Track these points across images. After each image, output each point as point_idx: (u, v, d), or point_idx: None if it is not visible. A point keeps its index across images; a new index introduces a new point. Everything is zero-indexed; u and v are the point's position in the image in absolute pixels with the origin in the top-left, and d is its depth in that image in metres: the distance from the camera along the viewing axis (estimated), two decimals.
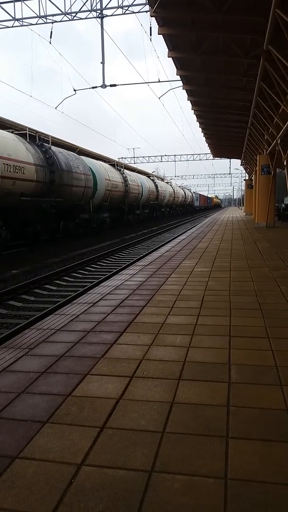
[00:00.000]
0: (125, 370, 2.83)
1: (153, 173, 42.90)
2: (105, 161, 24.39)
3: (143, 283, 6.00)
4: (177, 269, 7.23)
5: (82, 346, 3.32)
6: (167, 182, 45.21)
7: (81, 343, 3.39)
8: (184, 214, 50.65)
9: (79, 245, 16.28)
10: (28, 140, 14.88)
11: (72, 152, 18.99)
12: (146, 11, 14.87)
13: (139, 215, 30.10)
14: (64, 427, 2.12)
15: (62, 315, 4.32)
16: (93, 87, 17.55)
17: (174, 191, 43.79)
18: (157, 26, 9.74)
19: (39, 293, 8.22)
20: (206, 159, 51.37)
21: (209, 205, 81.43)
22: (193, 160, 53.21)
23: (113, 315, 4.27)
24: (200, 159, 52.26)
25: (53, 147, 16.64)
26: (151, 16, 9.31)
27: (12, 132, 14.58)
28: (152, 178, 36.70)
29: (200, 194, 73.26)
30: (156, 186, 35.18)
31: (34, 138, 15.65)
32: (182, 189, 51.51)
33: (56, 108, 19.51)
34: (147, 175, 35.83)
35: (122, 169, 25.78)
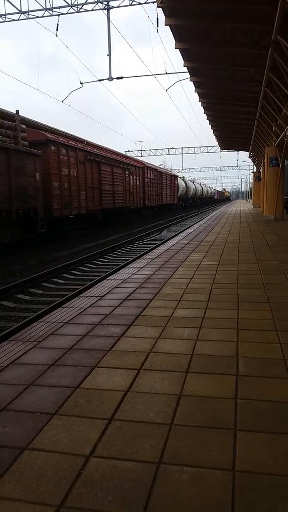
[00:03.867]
0: (133, 362, 2.83)
1: (160, 166, 44.52)
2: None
3: (151, 276, 6.00)
4: (185, 262, 7.21)
5: (90, 339, 3.34)
6: (191, 181, 58.18)
7: (89, 336, 3.41)
8: (202, 205, 62.60)
9: (86, 239, 16.31)
10: (183, 178, 48.24)
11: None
12: (153, 2, 14.74)
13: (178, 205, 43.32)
14: (73, 419, 2.14)
15: (70, 308, 4.34)
16: (99, 80, 17.47)
17: (195, 187, 56.61)
18: (164, 16, 9.64)
19: (47, 286, 8.26)
20: (214, 152, 51.08)
21: (222, 198, 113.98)
22: (201, 152, 52.85)
23: (121, 308, 4.28)
24: (207, 152, 51.93)
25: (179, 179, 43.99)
26: (158, 6, 9.20)
27: (177, 176, 41.63)
28: (182, 178, 50.29)
29: (217, 190, 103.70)
30: (186, 183, 49.54)
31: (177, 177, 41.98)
32: (193, 183, 61.76)
33: (63, 101, 19.45)
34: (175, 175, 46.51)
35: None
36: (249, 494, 1.57)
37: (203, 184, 71.04)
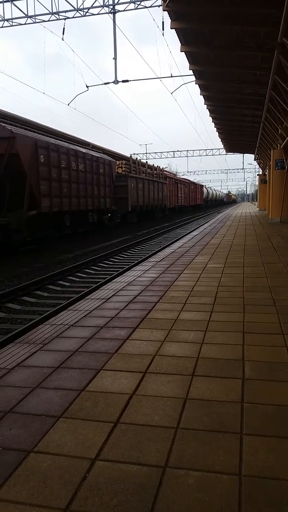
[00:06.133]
0: (138, 365, 2.83)
1: (165, 169, 44.90)
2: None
3: (156, 279, 6.00)
4: (190, 265, 7.20)
5: (96, 342, 3.33)
6: (209, 187, 74.25)
7: (94, 339, 3.41)
8: (211, 207, 72.61)
9: (91, 242, 16.34)
10: (205, 186, 63.88)
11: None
12: (159, 6, 14.78)
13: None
14: (78, 422, 2.13)
15: (75, 310, 4.34)
16: (105, 83, 17.53)
17: (212, 192, 74.35)
18: (170, 20, 9.67)
19: (52, 289, 8.28)
20: (219, 154, 51.07)
21: (230, 200, 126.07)
22: (206, 155, 52.83)
23: (126, 311, 4.27)
24: (213, 154, 51.87)
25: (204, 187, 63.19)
26: (164, 10, 9.23)
27: (203, 186, 59.70)
28: (205, 186, 65.35)
29: (226, 194, 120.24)
30: (207, 189, 65.81)
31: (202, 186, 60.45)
32: (211, 189, 77.78)
33: (68, 104, 19.55)
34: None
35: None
36: (256, 499, 1.56)
37: (216, 190, 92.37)
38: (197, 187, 52.46)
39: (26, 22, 16.05)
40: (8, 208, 12.69)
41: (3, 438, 2.00)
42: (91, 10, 15.55)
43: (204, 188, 61.46)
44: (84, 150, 17.78)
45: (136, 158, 27.59)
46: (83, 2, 15.59)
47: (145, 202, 26.27)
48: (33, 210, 13.20)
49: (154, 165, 30.55)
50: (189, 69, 12.83)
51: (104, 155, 20.42)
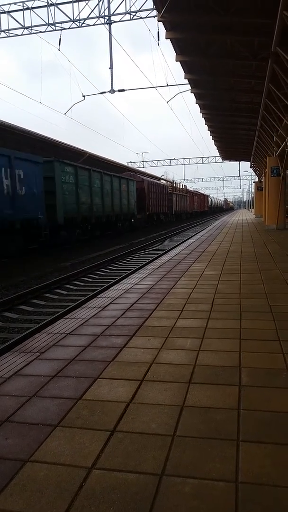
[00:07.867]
0: (135, 373, 2.83)
1: (162, 177, 46.80)
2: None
3: (153, 286, 6.01)
4: (187, 272, 7.22)
5: (92, 350, 3.33)
6: (211, 196, 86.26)
7: (91, 347, 3.41)
8: (210, 214, 78.03)
9: (88, 250, 16.36)
10: (210, 196, 77.14)
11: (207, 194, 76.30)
12: (154, 16, 14.97)
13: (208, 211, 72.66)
14: (75, 430, 2.13)
15: (72, 319, 4.34)
16: (101, 93, 17.68)
17: (214, 200, 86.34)
18: (165, 30, 9.79)
19: (49, 297, 8.27)
20: (215, 162, 51.49)
21: (228, 207, 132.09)
22: (202, 163, 53.26)
23: (123, 318, 4.28)
24: (209, 162, 52.30)
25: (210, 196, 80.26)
26: (159, 21, 9.34)
27: (208, 196, 74.53)
28: (209, 196, 77.79)
29: (224, 202, 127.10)
30: (211, 198, 78.15)
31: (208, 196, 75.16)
32: (213, 198, 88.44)
33: (65, 114, 19.66)
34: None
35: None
36: (253, 506, 1.56)
37: (217, 198, 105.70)
38: (205, 197, 67.66)
39: (23, 33, 16.22)
40: (138, 211, 26.77)
41: (0, 448, 1.99)
42: (87, 21, 15.74)
43: (209, 198, 77.20)
44: (158, 182, 35.07)
45: (176, 182, 47.57)
46: (79, 13, 15.77)
47: (179, 208, 42.69)
48: (147, 212, 29.23)
49: (182, 184, 49.04)
50: (185, 78, 12.97)
51: (165, 183, 39.03)
